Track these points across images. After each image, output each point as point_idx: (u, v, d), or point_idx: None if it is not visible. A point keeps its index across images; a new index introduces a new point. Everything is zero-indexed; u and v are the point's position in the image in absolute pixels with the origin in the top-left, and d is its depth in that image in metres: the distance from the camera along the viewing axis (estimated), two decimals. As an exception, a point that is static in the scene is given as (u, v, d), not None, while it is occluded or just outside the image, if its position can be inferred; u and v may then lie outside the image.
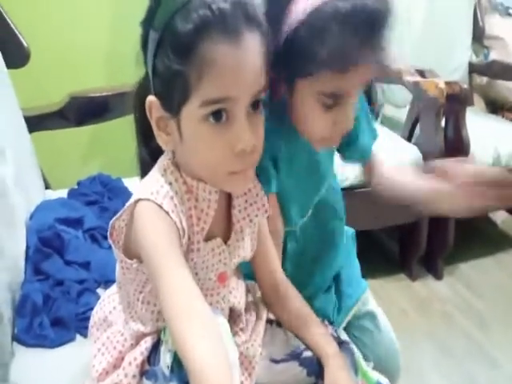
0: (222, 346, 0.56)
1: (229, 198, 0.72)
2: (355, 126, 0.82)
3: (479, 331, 1.63)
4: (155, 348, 0.69)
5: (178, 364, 0.61)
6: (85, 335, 0.90)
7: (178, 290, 0.58)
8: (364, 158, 0.92)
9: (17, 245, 0.99)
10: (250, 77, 0.58)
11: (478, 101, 2.36)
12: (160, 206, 0.60)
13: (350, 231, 1.04)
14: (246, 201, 0.74)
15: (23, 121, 1.27)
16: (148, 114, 0.62)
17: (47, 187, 1.36)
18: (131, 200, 0.63)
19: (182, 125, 0.60)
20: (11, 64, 1.28)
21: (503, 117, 2.25)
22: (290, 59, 0.65)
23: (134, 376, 0.68)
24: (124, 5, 1.77)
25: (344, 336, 0.84)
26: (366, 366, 0.86)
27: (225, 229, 0.72)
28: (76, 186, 1.30)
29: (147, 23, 0.59)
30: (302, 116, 0.71)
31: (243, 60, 0.57)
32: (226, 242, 0.71)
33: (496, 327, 1.65)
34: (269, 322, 0.84)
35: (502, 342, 1.58)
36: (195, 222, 0.66)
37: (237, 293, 0.76)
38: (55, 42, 1.71)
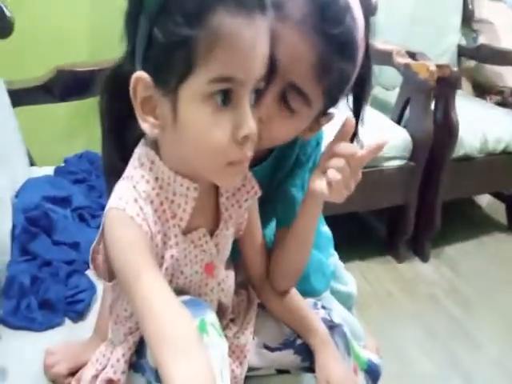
0: (200, 360, 0.53)
1: (215, 185, 0.68)
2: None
3: (463, 313, 1.65)
4: (142, 340, 0.66)
5: None
6: (73, 319, 0.89)
7: (151, 303, 0.55)
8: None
9: (2, 224, 0.96)
10: (260, 58, 0.54)
11: (466, 84, 2.37)
12: (123, 211, 0.57)
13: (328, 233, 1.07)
14: (234, 186, 0.70)
15: (6, 95, 1.22)
16: (132, 94, 0.56)
17: (32, 164, 1.32)
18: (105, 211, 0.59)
19: (179, 103, 0.54)
20: (-6, 34, 1.22)
21: (490, 100, 2.26)
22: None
23: (123, 372, 0.66)
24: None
25: (337, 319, 0.84)
26: (357, 347, 0.87)
27: (212, 218, 0.69)
28: (62, 164, 1.26)
29: None
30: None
31: (257, 39, 0.53)
32: (213, 232, 0.69)
33: (479, 309, 1.68)
34: (260, 305, 0.83)
35: (485, 324, 1.61)
36: (170, 217, 0.62)
37: (225, 285, 0.73)
38: (39, 14, 1.64)
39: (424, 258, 1.90)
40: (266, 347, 0.81)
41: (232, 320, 0.79)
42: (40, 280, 0.90)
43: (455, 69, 1.74)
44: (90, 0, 1.75)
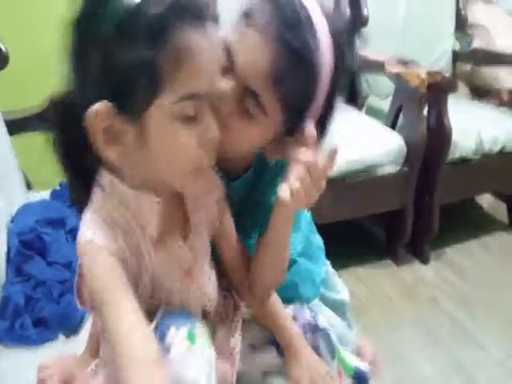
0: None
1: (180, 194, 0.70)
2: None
3: (465, 315, 1.64)
4: None
5: None
6: (67, 335, 0.92)
7: (117, 328, 0.56)
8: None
9: (-3, 247, 1.00)
10: (218, 67, 0.57)
11: (463, 88, 2.38)
12: (91, 241, 0.58)
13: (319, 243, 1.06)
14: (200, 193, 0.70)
15: (3, 124, 1.27)
16: (89, 128, 0.54)
17: (30, 188, 1.37)
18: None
19: (147, 125, 0.54)
20: (-11, 68, 1.27)
21: (488, 103, 2.26)
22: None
23: None
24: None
25: (322, 322, 0.85)
26: (344, 352, 0.88)
27: (183, 226, 0.70)
28: (58, 187, 1.31)
29: (91, 18, 0.53)
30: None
31: (214, 51, 0.56)
32: (187, 238, 0.70)
33: (482, 311, 1.67)
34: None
35: (488, 326, 1.60)
36: (139, 234, 0.64)
37: (207, 289, 0.74)
38: (35, 44, 1.68)
39: (424, 261, 1.90)
40: (252, 346, 0.83)
41: (221, 321, 0.80)
42: (34, 300, 0.94)
43: (447, 74, 1.76)
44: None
